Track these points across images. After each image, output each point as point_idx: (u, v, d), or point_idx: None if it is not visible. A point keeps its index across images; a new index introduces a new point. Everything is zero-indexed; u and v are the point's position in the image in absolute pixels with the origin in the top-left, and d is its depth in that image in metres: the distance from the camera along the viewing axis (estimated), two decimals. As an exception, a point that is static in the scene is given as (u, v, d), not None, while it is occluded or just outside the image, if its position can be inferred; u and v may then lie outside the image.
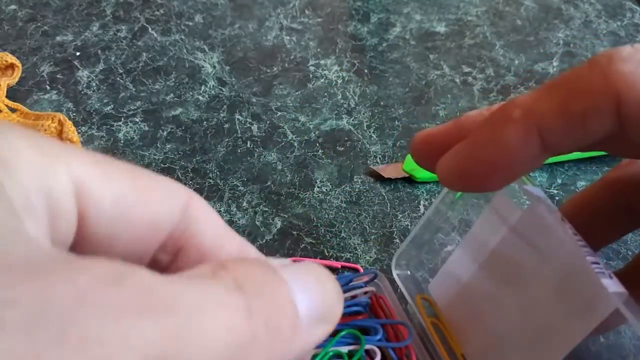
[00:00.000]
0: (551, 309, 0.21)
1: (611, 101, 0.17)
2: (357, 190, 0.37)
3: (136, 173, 0.14)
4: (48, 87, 0.44)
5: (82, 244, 0.13)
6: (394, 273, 0.29)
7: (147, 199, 0.14)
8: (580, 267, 0.19)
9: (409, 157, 0.38)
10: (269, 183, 0.37)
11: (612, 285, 0.19)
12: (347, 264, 0.32)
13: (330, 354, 0.26)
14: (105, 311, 0.09)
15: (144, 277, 0.10)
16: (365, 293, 0.28)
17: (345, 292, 0.27)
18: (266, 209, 0.35)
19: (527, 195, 0.21)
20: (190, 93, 0.44)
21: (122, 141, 0.40)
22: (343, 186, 0.37)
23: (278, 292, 0.12)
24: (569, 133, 0.18)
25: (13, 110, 0.42)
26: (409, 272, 0.29)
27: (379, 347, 0.26)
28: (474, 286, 0.25)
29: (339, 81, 0.44)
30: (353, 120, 0.41)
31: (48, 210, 0.12)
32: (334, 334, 0.26)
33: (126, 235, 0.14)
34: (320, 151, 0.39)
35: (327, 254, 0.33)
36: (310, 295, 0.13)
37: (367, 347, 0.26)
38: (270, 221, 0.35)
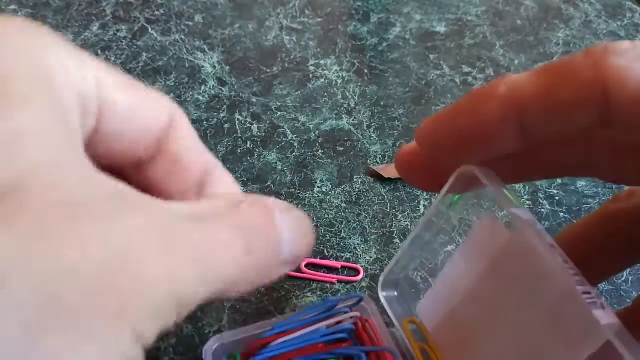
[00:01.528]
0: (542, 337, 0.20)
1: (598, 94, 0.16)
2: (357, 190, 0.37)
3: (136, 84, 0.17)
4: (48, 87, 0.44)
5: (95, 138, 0.16)
6: (381, 295, 0.27)
7: (146, 106, 0.17)
8: (571, 296, 0.19)
9: (409, 157, 0.38)
10: (269, 183, 0.37)
11: (605, 317, 0.18)
12: (347, 264, 0.32)
13: None
14: (155, 252, 0.12)
15: (183, 222, 0.14)
16: (351, 318, 0.27)
17: (329, 318, 0.27)
18: (266, 209, 0.35)
19: (513, 218, 0.20)
20: (190, 93, 0.44)
21: (122, 141, 0.40)
22: (343, 186, 0.37)
23: (272, 236, 0.16)
24: (549, 120, 0.17)
25: (13, 110, 0.42)
26: (396, 294, 0.27)
27: None
28: (464, 309, 0.23)
29: (339, 81, 0.44)
30: (353, 120, 0.41)
31: (80, 107, 0.15)
32: None
33: (129, 134, 0.17)
34: (320, 151, 0.39)
35: (327, 254, 0.33)
36: (294, 243, 0.17)
37: None
38: (270, 221, 0.35)
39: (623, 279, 0.32)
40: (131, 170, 0.18)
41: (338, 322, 0.27)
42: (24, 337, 0.10)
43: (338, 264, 0.32)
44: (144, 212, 0.13)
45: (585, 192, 0.37)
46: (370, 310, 0.28)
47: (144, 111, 0.17)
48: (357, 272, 0.32)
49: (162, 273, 0.12)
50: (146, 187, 0.18)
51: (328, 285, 0.31)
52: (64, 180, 0.12)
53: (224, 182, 0.20)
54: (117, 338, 0.11)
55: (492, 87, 0.18)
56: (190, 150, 0.19)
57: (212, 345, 0.26)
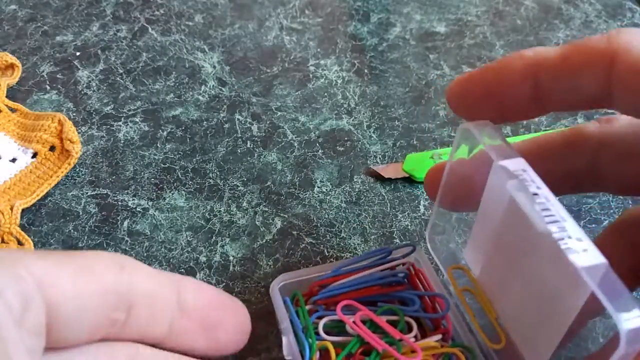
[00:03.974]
0: (548, 282, 0.21)
1: (606, 59, 0.19)
2: (357, 190, 0.37)
3: (79, 256, 0.17)
4: (48, 87, 0.44)
5: (54, 327, 0.16)
6: (428, 246, 0.29)
7: (94, 276, 0.17)
8: (551, 244, 0.19)
9: (409, 157, 0.38)
10: (269, 183, 0.37)
11: (584, 259, 0.18)
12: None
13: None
14: None
15: None
16: (404, 265, 0.29)
17: (383, 264, 0.28)
18: (266, 209, 0.35)
19: (499, 170, 0.21)
20: (190, 93, 0.44)
21: (122, 141, 0.40)
22: (343, 186, 0.37)
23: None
24: (562, 80, 0.20)
25: (13, 110, 0.42)
26: (438, 244, 0.29)
27: (416, 318, 0.27)
28: (496, 254, 0.25)
29: (339, 81, 0.44)
30: (353, 120, 0.41)
31: (21, 311, 0.15)
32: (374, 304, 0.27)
33: (88, 307, 0.17)
34: (320, 151, 0.39)
35: (327, 254, 0.33)
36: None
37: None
38: (270, 221, 0.35)
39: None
40: (116, 334, 0.18)
41: (392, 269, 0.28)
42: None
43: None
44: None
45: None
46: (421, 260, 0.29)
47: (94, 284, 0.17)
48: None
49: None
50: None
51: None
52: None
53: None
54: None
55: (521, 52, 0.21)
56: (151, 289, 0.19)
57: (276, 284, 0.28)
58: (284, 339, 0.25)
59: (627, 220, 0.24)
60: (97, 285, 0.17)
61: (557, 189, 0.22)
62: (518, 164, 0.21)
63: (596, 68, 0.19)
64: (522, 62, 0.21)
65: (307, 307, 0.27)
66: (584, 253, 0.18)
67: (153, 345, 0.19)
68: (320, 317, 0.26)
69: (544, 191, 0.20)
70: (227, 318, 0.21)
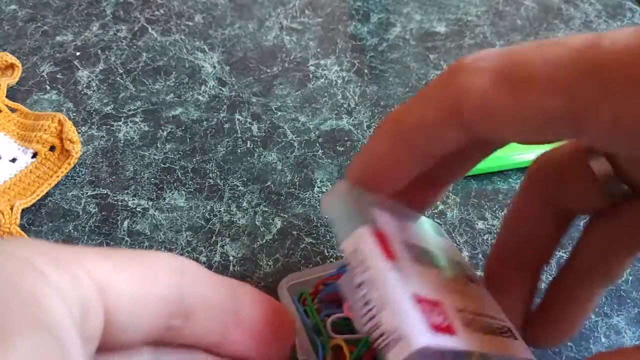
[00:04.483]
0: None
1: (453, 114, 0.18)
2: (357, 190, 0.37)
3: (140, 258, 0.16)
4: (48, 87, 0.44)
5: (109, 331, 0.15)
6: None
7: (155, 281, 0.16)
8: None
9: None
10: (269, 183, 0.37)
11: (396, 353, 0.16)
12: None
13: None
14: None
15: None
16: None
17: None
18: (266, 209, 0.35)
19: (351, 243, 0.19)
20: (190, 93, 0.44)
21: (122, 141, 0.40)
22: (343, 186, 0.37)
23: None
24: (426, 141, 0.19)
25: (13, 110, 0.42)
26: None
27: None
28: None
29: (339, 81, 0.44)
30: (353, 120, 0.41)
31: (81, 318, 0.14)
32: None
33: (145, 314, 0.16)
34: (320, 151, 0.39)
35: (327, 254, 0.33)
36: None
37: None
38: (270, 221, 0.35)
39: (623, 279, 0.32)
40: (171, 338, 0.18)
41: None
42: None
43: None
44: None
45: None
46: None
47: (154, 288, 0.17)
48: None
49: None
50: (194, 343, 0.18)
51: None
52: None
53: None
54: None
55: (382, 128, 0.20)
56: (209, 298, 0.19)
57: (284, 285, 0.28)
58: (297, 340, 0.25)
59: (539, 172, 0.24)
60: (157, 292, 0.17)
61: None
62: (354, 242, 0.18)
63: (449, 126, 0.18)
64: (387, 145, 0.20)
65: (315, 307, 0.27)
66: (398, 345, 0.16)
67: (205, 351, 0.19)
68: (327, 316, 0.26)
69: (373, 273, 0.17)
70: (276, 330, 0.20)
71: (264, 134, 0.40)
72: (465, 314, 0.19)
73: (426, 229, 0.25)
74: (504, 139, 0.18)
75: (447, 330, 0.18)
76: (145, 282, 0.16)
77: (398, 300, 0.17)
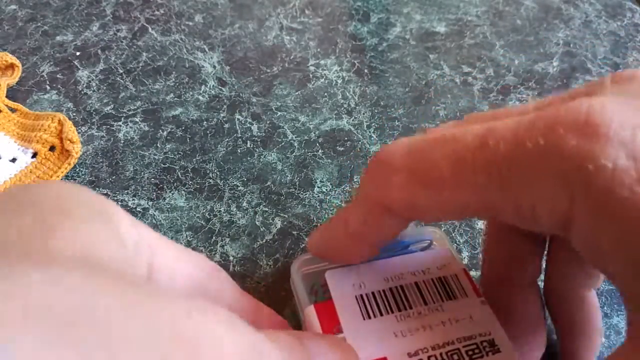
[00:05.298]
0: None
1: (384, 209, 0.20)
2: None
3: (179, 246, 0.19)
4: (48, 87, 0.44)
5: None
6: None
7: (193, 265, 0.19)
8: None
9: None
10: (269, 183, 0.37)
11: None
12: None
13: None
14: None
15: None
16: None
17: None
18: (266, 209, 0.35)
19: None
20: (190, 93, 0.44)
21: (122, 141, 0.40)
22: (343, 186, 0.37)
23: (304, 354, 0.17)
24: (373, 234, 0.22)
25: (13, 110, 0.42)
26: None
27: None
28: None
29: (339, 81, 0.44)
30: (353, 120, 0.41)
31: (132, 262, 0.16)
32: None
33: (178, 285, 0.18)
34: (320, 151, 0.39)
35: (327, 254, 0.33)
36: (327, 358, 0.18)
37: None
38: (270, 221, 0.35)
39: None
40: None
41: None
42: None
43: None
44: None
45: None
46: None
47: (189, 268, 0.19)
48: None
49: None
50: None
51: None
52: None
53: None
54: None
55: (333, 226, 0.23)
56: (234, 307, 0.21)
57: (297, 272, 0.28)
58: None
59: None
60: (194, 273, 0.19)
61: None
62: (306, 317, 0.23)
63: (385, 219, 0.21)
64: (346, 242, 0.23)
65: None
66: None
67: None
68: None
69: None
70: None
71: (264, 134, 0.40)
72: (419, 356, 0.21)
73: (405, 257, 0.25)
74: (430, 221, 0.21)
75: None
76: (187, 260, 0.19)
77: None
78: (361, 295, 0.23)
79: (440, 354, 0.21)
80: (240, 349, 0.13)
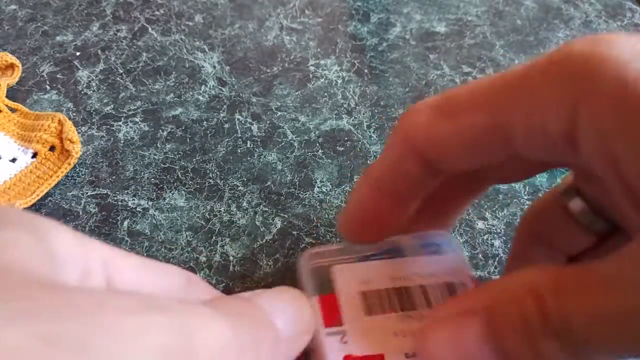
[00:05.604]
0: None
1: (407, 145, 0.21)
2: (357, 190, 0.37)
3: (143, 258, 0.19)
4: (48, 87, 0.44)
5: None
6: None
7: (159, 278, 0.19)
8: None
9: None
10: (269, 183, 0.37)
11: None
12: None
13: None
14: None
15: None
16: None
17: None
18: (266, 209, 0.35)
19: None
20: (190, 93, 0.44)
21: (122, 141, 0.40)
22: (343, 186, 0.37)
23: (257, 315, 0.17)
24: (395, 181, 0.22)
25: (13, 110, 0.42)
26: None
27: None
28: None
29: (339, 81, 0.44)
30: (353, 120, 0.41)
31: (80, 276, 0.16)
32: None
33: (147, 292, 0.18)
34: (320, 151, 0.39)
35: (327, 254, 0.33)
36: (286, 314, 0.18)
37: None
38: (270, 221, 0.35)
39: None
40: None
41: None
42: None
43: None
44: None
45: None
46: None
47: (154, 277, 0.19)
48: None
49: None
50: None
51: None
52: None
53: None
54: None
55: (358, 181, 0.23)
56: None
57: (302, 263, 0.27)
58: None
59: (524, 221, 0.26)
60: (163, 282, 0.18)
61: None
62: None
63: (407, 159, 0.21)
64: (365, 193, 0.23)
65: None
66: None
67: None
68: None
69: (314, 339, 0.21)
70: None
71: (264, 134, 0.40)
72: (416, 357, 0.21)
73: (415, 258, 0.25)
74: (453, 163, 0.21)
75: None
76: (151, 273, 0.18)
77: None
78: (365, 292, 0.23)
79: None
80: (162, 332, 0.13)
